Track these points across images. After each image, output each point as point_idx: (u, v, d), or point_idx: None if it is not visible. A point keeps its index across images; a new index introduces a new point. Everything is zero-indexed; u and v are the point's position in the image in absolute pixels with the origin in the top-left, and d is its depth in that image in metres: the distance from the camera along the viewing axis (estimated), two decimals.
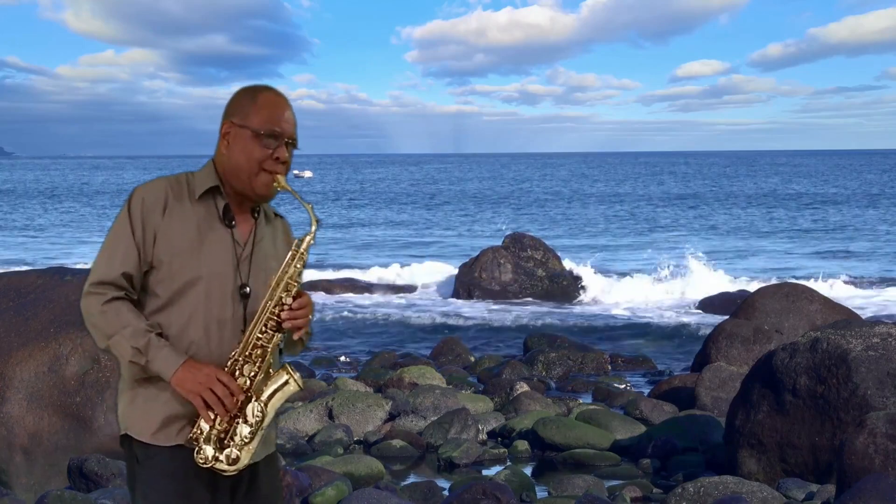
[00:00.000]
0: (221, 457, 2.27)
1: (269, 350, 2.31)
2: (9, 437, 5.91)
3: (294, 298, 2.33)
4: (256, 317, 2.31)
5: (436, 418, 8.03)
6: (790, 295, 10.35)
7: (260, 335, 2.30)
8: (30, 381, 5.98)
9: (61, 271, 7.06)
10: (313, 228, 2.37)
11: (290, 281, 2.32)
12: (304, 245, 2.35)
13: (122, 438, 2.39)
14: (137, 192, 2.34)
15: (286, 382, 2.32)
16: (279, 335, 2.32)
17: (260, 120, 2.34)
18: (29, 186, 72.98)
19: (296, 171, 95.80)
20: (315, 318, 2.61)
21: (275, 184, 2.35)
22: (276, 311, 2.30)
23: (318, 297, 16.83)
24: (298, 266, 2.33)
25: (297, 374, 2.35)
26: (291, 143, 2.39)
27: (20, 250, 27.73)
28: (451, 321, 15.10)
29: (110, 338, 2.27)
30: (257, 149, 2.34)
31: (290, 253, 2.35)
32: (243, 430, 2.27)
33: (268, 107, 2.37)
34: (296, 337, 2.36)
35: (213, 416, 2.25)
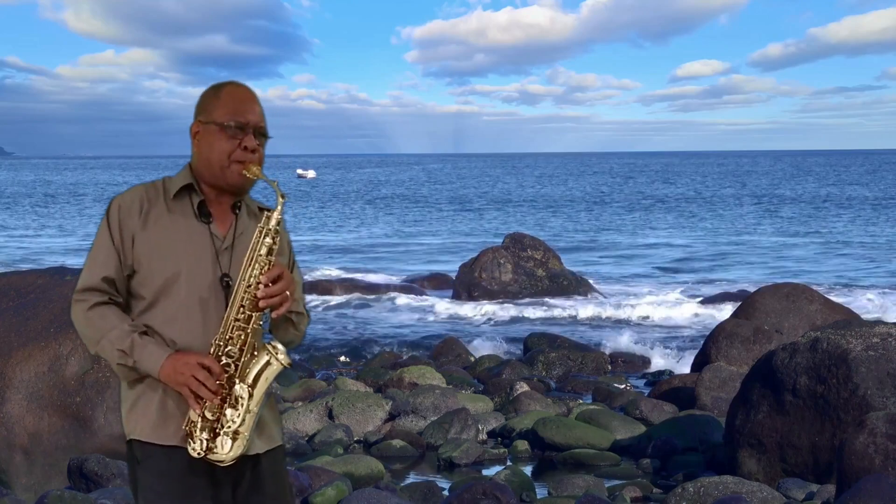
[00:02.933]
0: (215, 445, 2.26)
1: (249, 331, 2.29)
2: (9, 437, 5.91)
3: (270, 278, 2.30)
4: (232, 298, 2.31)
5: (436, 418, 8.03)
6: (790, 295, 10.35)
7: (238, 317, 2.29)
8: (30, 381, 5.99)
9: (61, 271, 7.06)
10: (280, 204, 2.35)
11: (261, 259, 2.30)
12: (272, 221, 2.33)
13: (127, 444, 2.40)
14: (115, 201, 2.39)
15: (268, 363, 2.29)
16: (257, 315, 2.30)
17: (223, 113, 2.36)
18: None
19: (299, 171, 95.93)
20: (314, 310, 2.59)
21: (245, 172, 2.35)
22: (252, 292, 2.29)
23: (319, 298, 16.83)
24: (268, 243, 2.31)
25: (282, 352, 2.30)
26: (259, 132, 2.39)
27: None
28: (450, 321, 15.11)
29: (98, 343, 2.31)
30: (224, 141, 2.35)
31: (257, 230, 2.33)
32: (232, 414, 2.26)
33: (231, 99, 2.39)
34: (275, 315, 2.33)
35: (199, 404, 2.25)
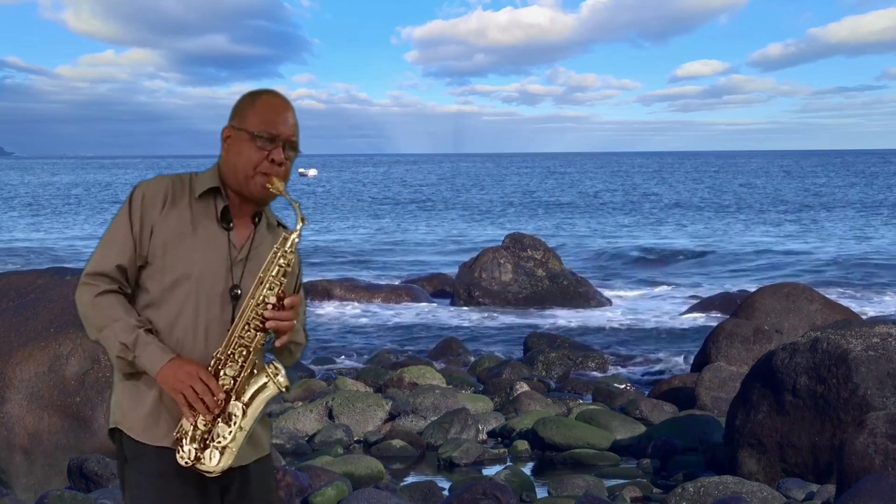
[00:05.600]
0: (203, 457, 2.25)
1: (252, 350, 2.28)
2: (9, 437, 5.91)
3: (280, 299, 2.29)
4: (239, 315, 2.29)
5: (436, 418, 8.03)
6: (790, 295, 10.35)
7: (243, 335, 2.27)
8: (30, 381, 5.99)
9: (61, 271, 7.06)
10: (299, 227, 2.33)
11: (273, 279, 2.29)
12: (288, 243, 2.31)
13: (110, 432, 2.38)
14: (139, 188, 2.36)
15: (265, 385, 2.28)
16: (262, 335, 2.29)
17: (256, 122, 2.34)
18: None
19: (301, 170, 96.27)
20: (310, 319, 2.58)
21: (268, 185, 2.33)
22: (260, 311, 2.27)
23: (318, 298, 16.83)
24: (282, 264, 2.30)
25: (281, 375, 2.29)
26: (290, 146, 2.37)
27: None
28: (451, 321, 15.11)
29: (101, 330, 2.29)
30: (253, 151, 2.33)
31: (272, 251, 2.32)
32: (223, 430, 2.25)
33: (265, 109, 2.36)
34: (278, 344, 2.31)
35: (193, 415, 2.24)
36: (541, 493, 6.46)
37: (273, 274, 2.29)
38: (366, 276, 20.88)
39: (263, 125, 2.33)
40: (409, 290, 17.89)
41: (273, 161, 2.33)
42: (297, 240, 2.32)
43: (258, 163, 2.33)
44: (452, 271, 18.83)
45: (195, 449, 2.25)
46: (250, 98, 2.40)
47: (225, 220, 2.37)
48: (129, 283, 2.34)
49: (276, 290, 2.29)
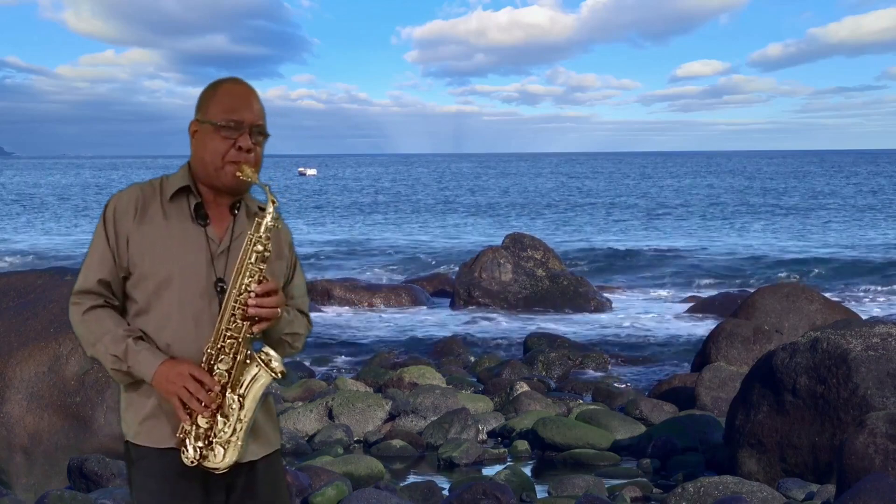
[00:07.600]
0: (208, 454, 2.24)
1: (241, 340, 2.24)
2: (9, 437, 5.91)
3: (261, 285, 2.25)
4: (223, 307, 2.26)
5: (436, 418, 8.03)
6: (790, 295, 10.35)
7: (230, 326, 2.24)
8: (30, 381, 5.98)
9: (61, 271, 7.06)
10: (270, 209, 2.28)
11: (251, 267, 2.25)
12: (262, 228, 2.26)
13: (124, 444, 2.39)
14: (111, 201, 2.34)
15: (258, 374, 2.26)
16: (248, 324, 2.25)
17: (218, 111, 2.30)
18: None
19: (300, 169, 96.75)
20: (313, 309, 2.56)
21: (238, 173, 2.28)
22: (243, 300, 2.24)
23: (318, 298, 16.83)
24: (258, 250, 2.25)
25: (274, 361, 2.25)
26: (257, 131, 2.32)
27: None
28: (451, 321, 15.10)
29: (93, 346, 2.29)
30: (218, 141, 2.29)
31: (247, 237, 2.27)
32: (224, 424, 2.24)
33: (227, 97, 2.32)
34: (256, 329, 2.25)
35: (189, 415, 2.22)
36: (541, 493, 6.47)
37: (251, 261, 2.25)
38: (366, 276, 20.88)
39: (226, 113, 2.29)
40: (409, 290, 17.88)
41: (240, 148, 2.29)
42: (270, 223, 2.27)
43: (225, 152, 2.28)
44: (453, 271, 18.83)
45: (199, 447, 2.24)
46: (212, 89, 2.35)
47: (199, 216, 2.33)
48: (115, 296, 2.33)
49: (257, 276, 2.25)
